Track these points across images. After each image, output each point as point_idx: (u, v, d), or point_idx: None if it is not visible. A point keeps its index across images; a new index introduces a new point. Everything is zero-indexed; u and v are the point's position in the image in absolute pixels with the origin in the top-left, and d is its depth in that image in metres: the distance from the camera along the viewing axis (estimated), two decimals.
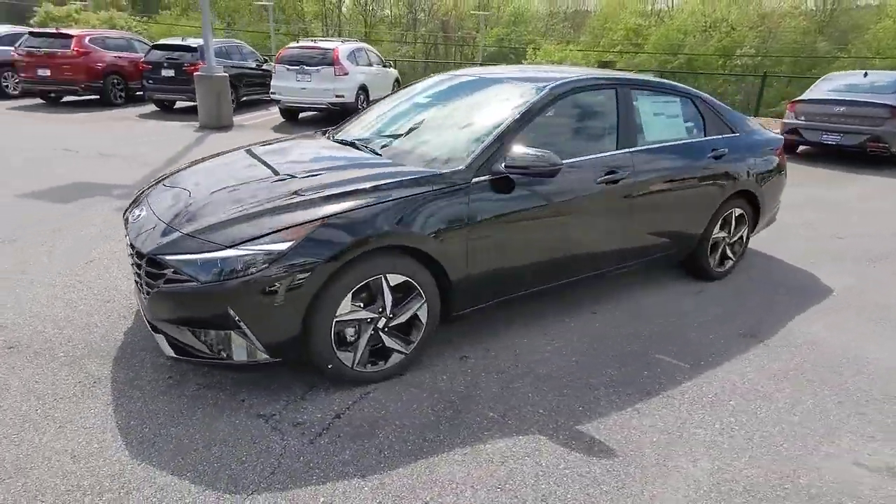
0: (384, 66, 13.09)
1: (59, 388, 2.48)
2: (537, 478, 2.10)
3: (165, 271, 2.30)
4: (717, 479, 2.14)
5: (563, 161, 2.98)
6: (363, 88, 11.22)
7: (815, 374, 2.91)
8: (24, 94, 12.46)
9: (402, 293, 2.58)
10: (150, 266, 2.36)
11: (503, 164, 2.72)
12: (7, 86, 12.77)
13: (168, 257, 2.30)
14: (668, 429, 2.43)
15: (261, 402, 2.45)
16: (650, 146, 3.43)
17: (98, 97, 12.19)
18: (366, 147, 3.16)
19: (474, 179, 2.70)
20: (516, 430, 2.36)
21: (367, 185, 2.58)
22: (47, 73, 11.58)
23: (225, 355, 2.35)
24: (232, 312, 2.24)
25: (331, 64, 10.55)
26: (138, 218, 2.66)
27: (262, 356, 2.34)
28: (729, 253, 4.09)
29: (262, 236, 2.28)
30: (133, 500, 1.91)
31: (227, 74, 10.37)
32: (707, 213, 3.78)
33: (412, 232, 2.51)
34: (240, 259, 2.22)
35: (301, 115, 11.69)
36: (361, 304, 2.50)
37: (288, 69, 10.70)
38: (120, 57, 12.39)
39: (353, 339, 2.53)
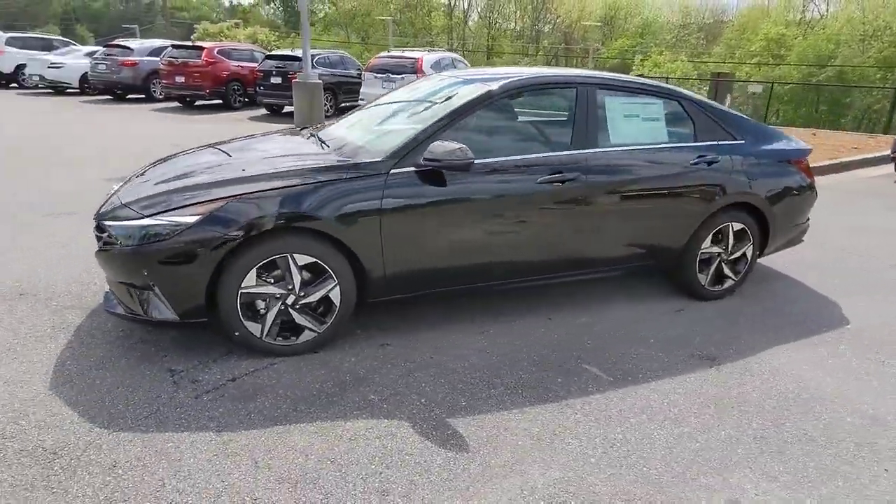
0: None
1: (35, 329, 2.97)
2: (373, 458, 2.15)
3: (104, 234, 2.68)
4: (557, 490, 2.04)
5: (498, 159, 2.99)
6: None
7: (757, 405, 2.61)
8: (166, 98, 14.45)
9: (314, 274, 2.75)
10: (97, 230, 2.76)
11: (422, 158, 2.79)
12: (154, 91, 14.87)
13: (105, 222, 2.68)
14: (542, 435, 2.33)
15: (177, 360, 2.74)
16: (611, 148, 3.27)
17: (221, 101, 13.81)
18: (323, 142, 3.37)
19: (392, 171, 2.80)
20: (385, 414, 2.42)
21: (288, 170, 2.79)
22: (182, 79, 13.35)
23: (147, 313, 2.67)
24: (146, 274, 2.55)
25: (414, 72, 11.02)
26: (110, 193, 3.10)
27: (172, 316, 2.62)
28: (728, 272, 3.73)
29: (175, 209, 2.57)
30: (27, 418, 2.27)
31: (320, 82, 11.22)
32: (690, 224, 3.49)
33: (318, 216, 2.66)
34: (152, 227, 2.53)
35: None
36: (271, 280, 2.70)
37: (375, 77, 11.37)
38: (241, 66, 13.93)
39: (263, 311, 2.74)
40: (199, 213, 2.54)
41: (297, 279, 2.71)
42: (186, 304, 2.60)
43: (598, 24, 42.95)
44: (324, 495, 1.95)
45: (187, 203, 2.59)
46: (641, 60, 35.59)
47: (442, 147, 2.74)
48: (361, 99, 11.66)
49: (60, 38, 19.13)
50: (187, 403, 2.41)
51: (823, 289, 4.01)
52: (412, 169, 2.82)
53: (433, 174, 2.84)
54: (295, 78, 11.96)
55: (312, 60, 13.03)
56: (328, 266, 2.74)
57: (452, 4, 47.77)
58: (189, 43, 14.55)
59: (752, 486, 2.10)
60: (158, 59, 14.28)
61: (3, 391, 2.43)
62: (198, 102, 14.26)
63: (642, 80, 3.78)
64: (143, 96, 14.83)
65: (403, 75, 11.16)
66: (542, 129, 3.29)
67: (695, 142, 3.53)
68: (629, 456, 2.23)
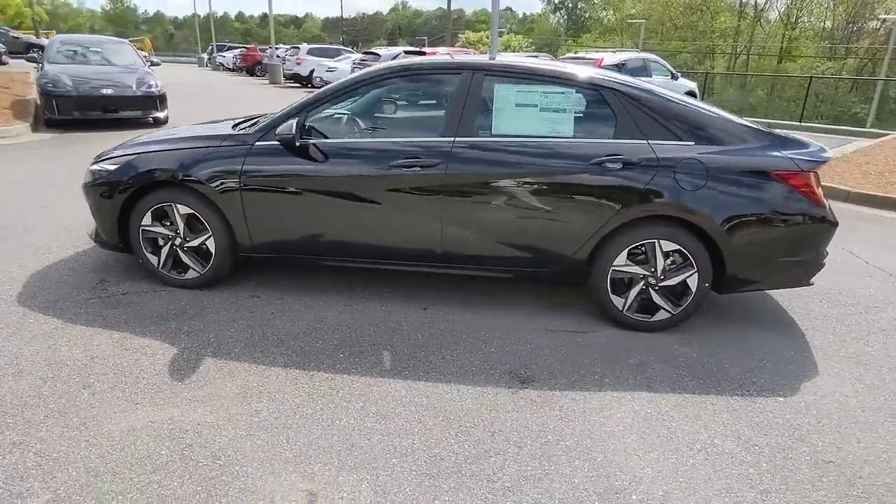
0: (673, 78, 12.09)
1: (29, 268, 4.15)
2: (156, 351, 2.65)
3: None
4: (253, 421, 2.22)
5: (351, 140, 3.14)
6: None
7: (504, 424, 2.26)
8: None
9: (193, 223, 3.33)
10: None
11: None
12: None
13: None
14: (275, 387, 2.49)
15: (112, 280, 3.56)
16: (487, 138, 3.02)
17: None
18: (248, 120, 3.76)
19: (257, 143, 3.19)
20: (184, 336, 2.86)
21: (192, 136, 3.41)
22: None
23: (93, 237, 3.61)
24: (90, 206, 3.48)
25: None
26: None
27: (102, 241, 3.51)
28: (660, 301, 3.05)
29: (109, 158, 3.42)
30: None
31: None
32: (586, 231, 2.99)
33: (193, 175, 3.21)
34: (95, 171, 3.41)
35: None
36: (160, 223, 3.36)
37: None
38: None
39: (161, 247, 3.43)
40: (118, 163, 3.36)
41: (180, 226, 3.33)
42: (106, 234, 3.45)
43: None
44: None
45: (117, 154, 3.43)
46: None
47: (283, 126, 3.02)
48: None
49: (342, 47, 23.55)
50: (87, 304, 3.23)
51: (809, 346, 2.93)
52: (271, 142, 3.15)
53: (294, 149, 3.12)
54: None
55: None
56: (203, 219, 3.28)
57: (743, 2, 42.42)
58: (418, 48, 16.48)
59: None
60: None
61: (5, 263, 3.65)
62: None
63: (557, 67, 3.26)
64: None
65: None
66: (418, 116, 3.23)
67: (612, 138, 2.99)
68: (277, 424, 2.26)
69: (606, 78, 3.08)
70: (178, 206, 3.29)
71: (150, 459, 2.04)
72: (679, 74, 13.12)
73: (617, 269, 3.04)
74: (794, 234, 2.93)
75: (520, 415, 2.38)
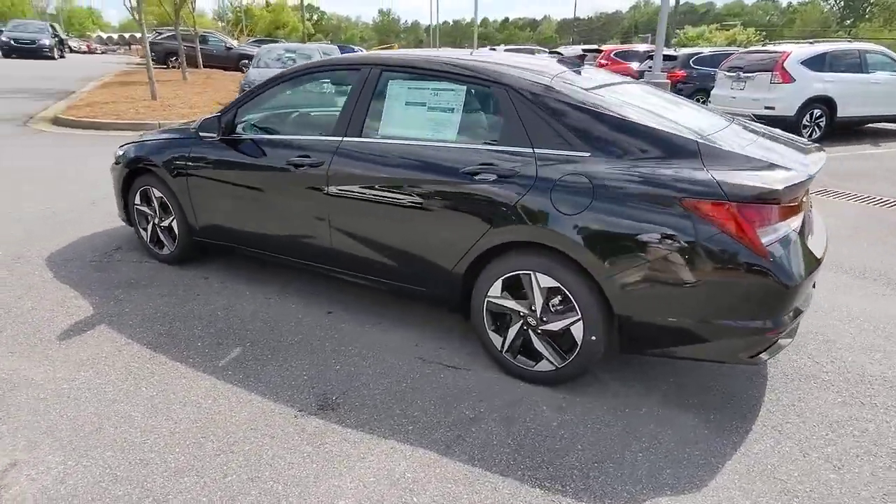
0: None
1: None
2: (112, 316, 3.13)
3: None
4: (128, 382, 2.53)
5: (261, 136, 3.20)
6: (821, 101, 8.69)
7: (247, 443, 2.11)
8: None
9: (164, 206, 3.73)
10: None
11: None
12: None
13: None
14: (157, 369, 2.72)
15: (124, 248, 4.22)
16: (368, 140, 2.75)
17: None
18: None
19: (200, 134, 3.42)
20: (127, 305, 3.27)
21: (167, 129, 3.81)
22: None
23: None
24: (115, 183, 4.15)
25: (769, 70, 8.79)
26: None
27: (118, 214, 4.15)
28: (542, 348, 2.45)
29: (126, 144, 4.00)
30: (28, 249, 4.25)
31: (667, 81, 10.40)
32: (455, 251, 2.54)
33: (154, 162, 3.59)
34: (116, 154, 4.04)
35: None
36: (146, 204, 3.83)
37: (727, 75, 9.62)
38: (632, 67, 13.98)
39: (146, 224, 3.90)
40: (124, 149, 3.92)
41: (156, 207, 3.76)
42: (120, 209, 4.07)
43: None
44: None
45: (130, 141, 4.00)
46: None
47: (206, 121, 3.21)
48: (708, 102, 10.06)
49: (536, 47, 23.29)
50: (88, 261, 3.89)
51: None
52: (202, 135, 3.35)
53: (230, 141, 3.28)
54: (670, 77, 11.45)
55: (690, 59, 12.00)
56: (169, 203, 3.66)
57: None
58: (594, 46, 15.45)
59: None
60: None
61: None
62: None
63: (455, 59, 2.67)
64: None
65: (757, 74, 9.01)
66: (326, 113, 3.07)
67: (496, 144, 2.47)
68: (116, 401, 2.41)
69: (505, 71, 2.54)
70: (153, 189, 3.71)
71: None
72: None
73: (492, 300, 2.53)
74: (714, 289, 2.07)
75: (273, 441, 2.17)
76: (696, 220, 2.04)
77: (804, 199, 2.30)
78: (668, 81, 10.39)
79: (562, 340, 2.41)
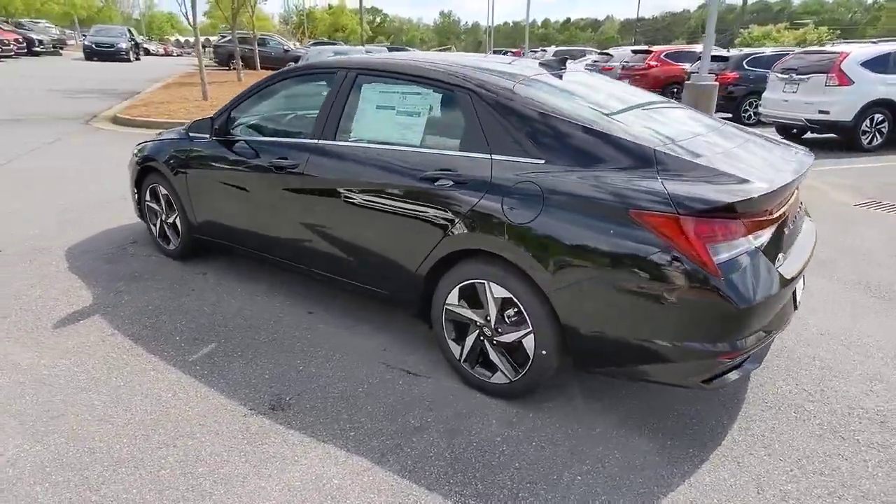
0: None
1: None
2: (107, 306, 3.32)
3: None
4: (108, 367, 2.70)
5: (249, 137, 3.29)
6: (883, 105, 8.06)
7: (192, 439, 2.17)
8: None
9: (169, 203, 3.88)
10: None
11: None
12: None
13: None
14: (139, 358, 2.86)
15: (139, 242, 4.43)
16: (340, 143, 2.77)
17: None
18: None
19: (190, 135, 3.55)
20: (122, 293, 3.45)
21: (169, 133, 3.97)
22: (628, 83, 14.16)
23: None
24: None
25: (825, 71, 8.23)
26: None
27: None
28: (497, 360, 2.39)
29: (143, 143, 4.19)
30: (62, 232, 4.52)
31: (715, 84, 9.92)
32: (415, 257, 2.51)
33: (157, 159, 3.76)
34: (135, 150, 4.24)
35: (804, 135, 9.58)
36: (156, 201, 4.00)
37: (779, 77, 9.08)
38: (685, 69, 13.43)
39: (155, 219, 4.07)
40: (139, 148, 4.11)
41: (164, 205, 3.93)
42: (134, 204, 4.27)
43: None
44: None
45: (145, 141, 4.19)
46: None
47: (197, 123, 3.34)
48: (759, 104, 9.52)
49: (588, 48, 22.74)
50: (103, 253, 4.11)
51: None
52: (194, 134, 3.49)
53: (223, 142, 3.39)
54: (718, 79, 10.95)
55: (744, 61, 11.41)
56: (172, 200, 3.82)
57: None
58: (644, 47, 14.89)
59: None
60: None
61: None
62: None
63: (426, 63, 2.61)
64: None
65: (811, 75, 8.43)
66: (308, 116, 3.10)
67: (457, 149, 2.42)
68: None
69: (470, 75, 2.48)
70: (160, 186, 3.88)
71: None
72: None
73: (450, 308, 2.48)
74: (662, 307, 1.94)
75: (216, 438, 2.21)
76: (643, 232, 1.92)
77: (779, 213, 2.13)
78: (716, 84, 9.91)
79: (517, 353, 2.34)
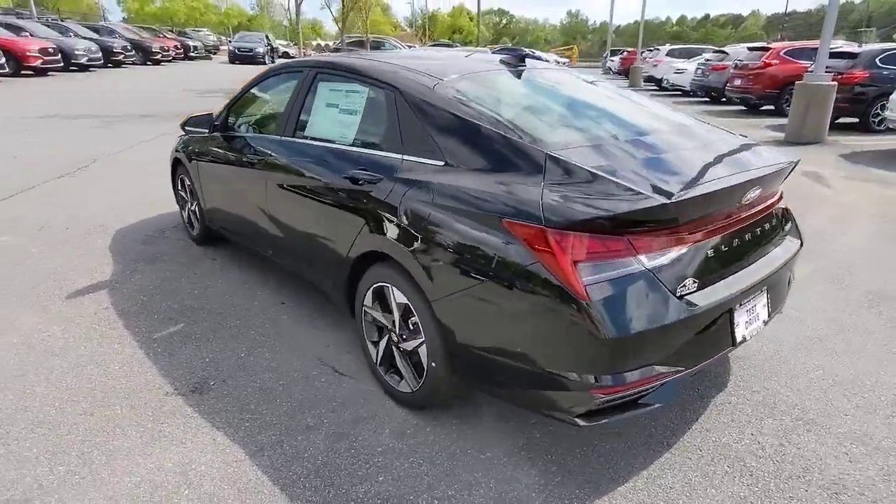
0: None
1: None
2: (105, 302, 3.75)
3: None
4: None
5: (238, 133, 3.48)
6: None
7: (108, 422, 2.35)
8: (730, 102, 14.03)
9: (192, 192, 4.20)
10: None
11: None
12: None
13: None
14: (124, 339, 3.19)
15: (178, 226, 4.84)
16: (294, 139, 2.84)
17: (773, 107, 12.44)
18: None
19: (185, 129, 3.82)
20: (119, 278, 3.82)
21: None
22: (740, 82, 12.89)
23: None
24: None
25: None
26: None
27: None
28: (402, 366, 2.31)
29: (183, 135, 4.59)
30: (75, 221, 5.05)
31: (832, 84, 8.74)
32: (336, 255, 2.49)
33: (182, 152, 4.08)
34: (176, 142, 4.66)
35: None
36: (184, 189, 4.35)
37: None
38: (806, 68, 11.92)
39: (182, 202, 4.44)
40: (179, 139, 4.49)
41: (188, 194, 4.27)
42: (174, 192, 4.68)
43: None
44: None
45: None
46: None
47: (194, 119, 3.60)
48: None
49: (706, 46, 20.82)
50: (144, 235, 4.56)
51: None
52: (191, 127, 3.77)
53: (227, 136, 3.61)
54: (842, 79, 9.67)
55: (877, 57, 9.92)
56: (194, 191, 4.13)
57: None
58: (762, 43, 13.32)
59: None
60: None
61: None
62: (765, 107, 13.22)
63: (360, 62, 2.49)
64: (724, 99, 14.91)
65: None
66: (276, 112, 3.19)
67: (378, 149, 2.36)
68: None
69: (400, 73, 2.40)
70: (185, 177, 4.22)
71: None
72: None
73: (366, 310, 2.43)
74: (529, 328, 1.74)
75: (131, 412, 2.35)
76: (515, 244, 1.74)
77: (703, 230, 1.82)
78: (833, 85, 8.72)
79: (418, 363, 2.23)
